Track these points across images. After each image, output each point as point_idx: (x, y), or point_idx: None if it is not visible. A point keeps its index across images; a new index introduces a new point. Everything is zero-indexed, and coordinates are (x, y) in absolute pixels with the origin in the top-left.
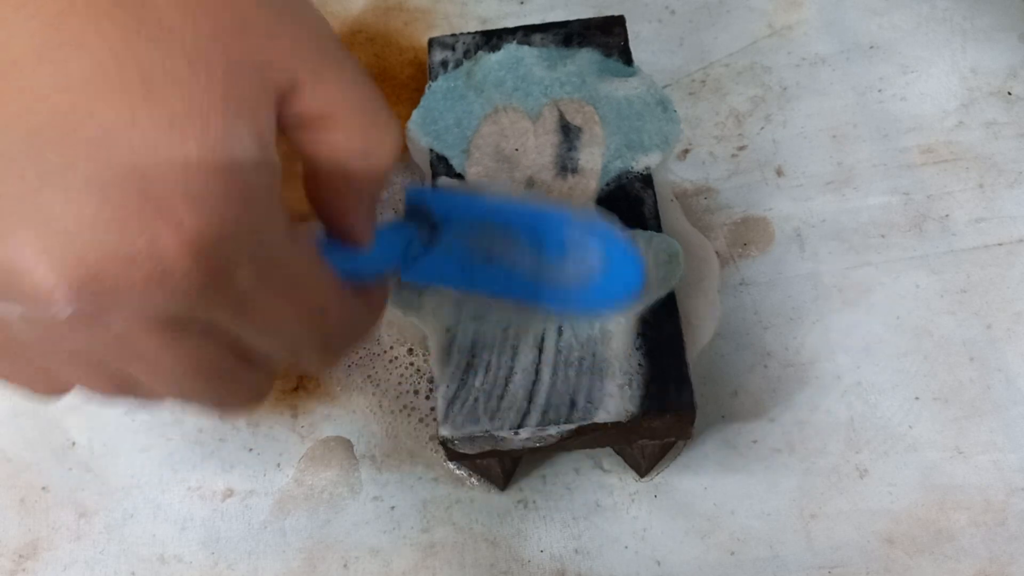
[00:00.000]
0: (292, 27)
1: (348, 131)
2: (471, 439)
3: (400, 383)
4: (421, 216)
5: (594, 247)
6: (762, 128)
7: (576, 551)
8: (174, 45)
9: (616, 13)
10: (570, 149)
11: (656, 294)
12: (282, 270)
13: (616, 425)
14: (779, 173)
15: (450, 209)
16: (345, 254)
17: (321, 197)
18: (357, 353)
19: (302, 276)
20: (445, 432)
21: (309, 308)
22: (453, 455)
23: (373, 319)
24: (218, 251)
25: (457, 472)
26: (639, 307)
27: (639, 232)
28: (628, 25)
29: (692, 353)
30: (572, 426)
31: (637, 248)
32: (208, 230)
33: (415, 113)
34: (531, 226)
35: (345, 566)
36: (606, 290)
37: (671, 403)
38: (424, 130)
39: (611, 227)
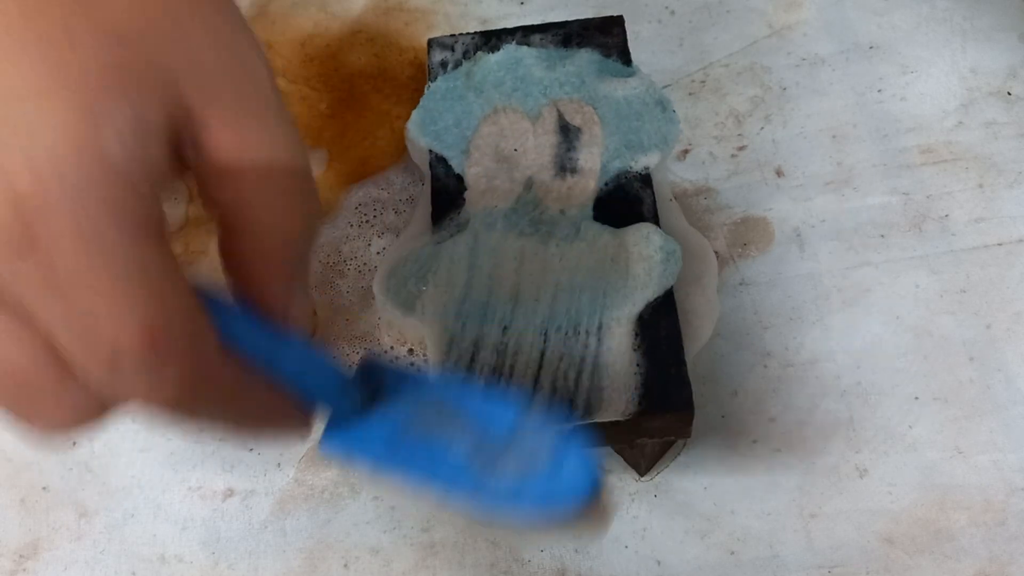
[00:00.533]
0: (223, 61)
1: (256, 192)
2: None
3: None
4: (367, 380)
5: (545, 444)
6: (762, 128)
7: (576, 551)
8: (83, 15)
9: (615, 13)
10: (569, 149)
11: (655, 292)
12: (113, 258)
13: (615, 424)
14: (779, 173)
15: (400, 382)
16: (257, 330)
17: (228, 258)
18: (357, 353)
19: (141, 278)
20: None
21: (142, 316)
22: None
23: (265, 415)
24: (41, 215)
25: None
26: (579, 520)
27: (637, 226)
28: (627, 25)
29: (691, 352)
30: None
31: (591, 460)
32: (36, 191)
33: (415, 113)
34: (481, 410)
35: (345, 566)
36: (547, 493)
37: (670, 402)
38: (424, 130)
39: (569, 433)
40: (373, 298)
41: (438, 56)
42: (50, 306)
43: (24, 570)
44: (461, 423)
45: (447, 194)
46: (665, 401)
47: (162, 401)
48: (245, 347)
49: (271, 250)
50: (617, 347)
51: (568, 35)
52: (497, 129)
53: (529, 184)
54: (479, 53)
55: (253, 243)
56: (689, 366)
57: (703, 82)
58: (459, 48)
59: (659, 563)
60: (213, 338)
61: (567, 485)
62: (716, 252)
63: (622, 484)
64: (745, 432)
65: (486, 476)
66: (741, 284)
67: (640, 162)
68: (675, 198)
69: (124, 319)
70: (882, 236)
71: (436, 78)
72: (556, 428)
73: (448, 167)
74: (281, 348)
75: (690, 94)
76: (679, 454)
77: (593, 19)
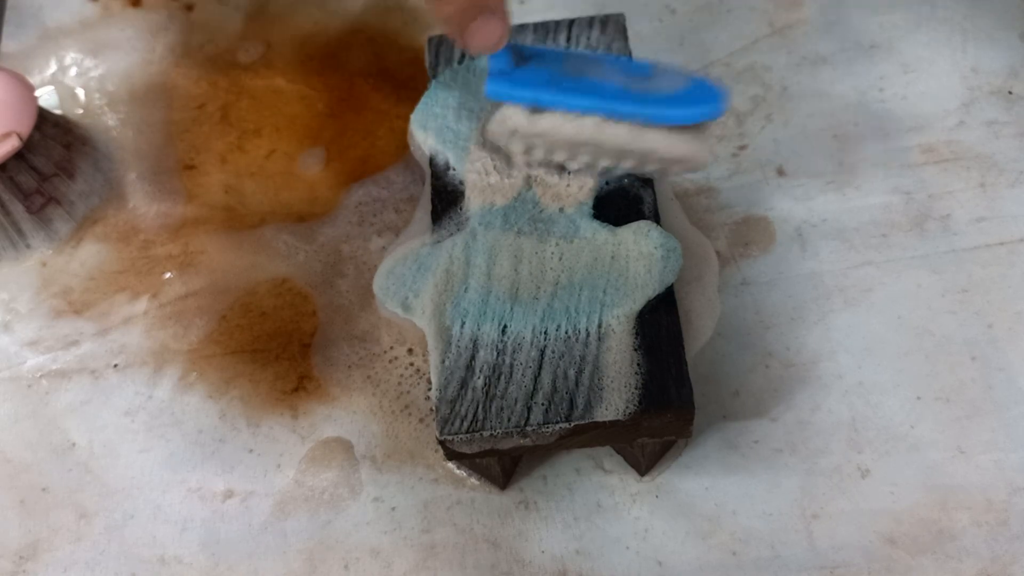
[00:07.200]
0: None
1: None
2: (470, 438)
3: (400, 383)
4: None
5: (677, 74)
6: (763, 127)
7: (577, 552)
8: None
9: (616, 12)
10: None
11: (655, 290)
12: None
13: (615, 424)
14: (780, 173)
15: (543, 52)
16: None
17: None
18: (357, 353)
19: None
20: (444, 431)
21: None
22: (452, 454)
23: None
24: None
25: (457, 472)
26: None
27: (636, 224)
28: (628, 24)
29: (691, 352)
30: (571, 424)
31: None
32: None
33: (415, 112)
34: (621, 61)
35: (346, 567)
36: (690, 100)
37: (670, 402)
38: (424, 128)
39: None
40: (373, 297)
41: (438, 54)
42: None
43: (24, 571)
44: (608, 69)
45: (447, 192)
46: (665, 400)
47: None
48: None
49: None
50: (617, 346)
51: (569, 33)
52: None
53: (529, 182)
54: None
55: None
56: (690, 366)
57: None
58: (459, 46)
59: (660, 564)
60: None
61: (703, 95)
62: (717, 252)
63: (623, 485)
64: (746, 432)
65: (640, 93)
66: (742, 284)
67: None
68: (676, 197)
69: None
70: (884, 235)
71: (436, 76)
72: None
73: (448, 165)
74: None
75: None
76: (680, 454)
77: (594, 17)
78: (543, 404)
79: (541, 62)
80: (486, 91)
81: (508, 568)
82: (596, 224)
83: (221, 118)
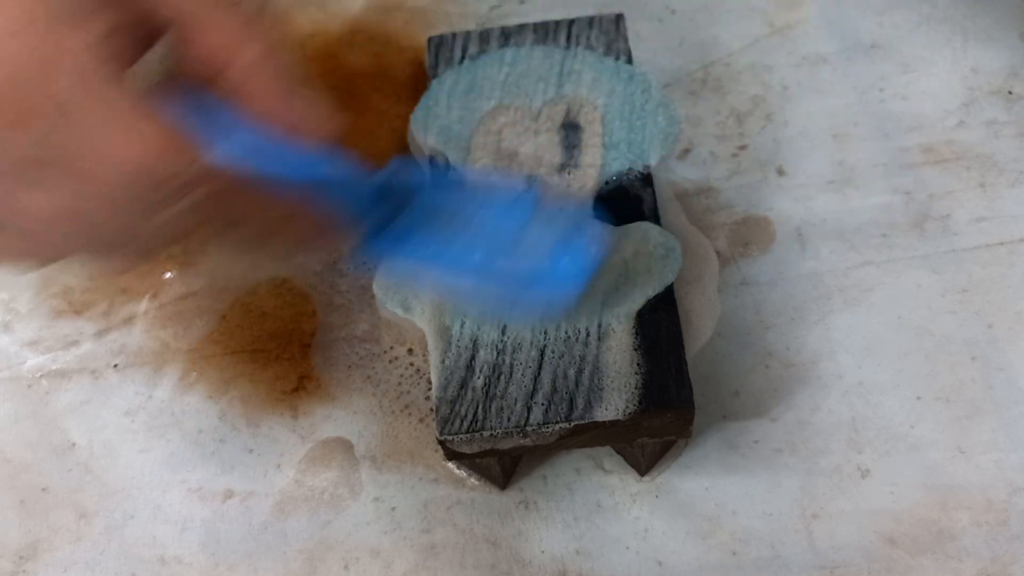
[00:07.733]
0: None
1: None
2: (470, 438)
3: (400, 383)
4: (392, 191)
5: (549, 235)
6: (763, 127)
7: (577, 552)
8: None
9: (616, 12)
10: (570, 147)
11: (655, 290)
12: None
13: (615, 424)
14: (780, 172)
15: (420, 191)
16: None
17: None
18: (357, 353)
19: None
20: (444, 431)
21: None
22: (452, 454)
23: (297, 235)
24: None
25: (457, 472)
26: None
27: (635, 224)
28: (628, 24)
29: (691, 352)
30: (571, 424)
31: (601, 247)
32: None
33: (416, 111)
34: (492, 214)
35: (346, 567)
36: (555, 277)
37: (670, 401)
38: (425, 128)
39: (587, 225)
40: (373, 297)
41: (438, 54)
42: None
43: (24, 571)
44: (475, 228)
45: None
46: (665, 400)
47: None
48: (269, 167)
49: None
50: (617, 346)
51: (569, 33)
52: (498, 127)
53: (530, 182)
54: (479, 51)
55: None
56: (689, 365)
57: (704, 81)
58: (459, 46)
59: (660, 564)
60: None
61: (571, 269)
62: (717, 251)
63: (623, 485)
64: (746, 432)
65: (502, 272)
66: (742, 284)
67: (641, 161)
68: (676, 197)
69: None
70: (884, 235)
71: (437, 76)
72: (561, 216)
73: (448, 165)
74: (307, 164)
75: (691, 93)
76: (680, 454)
77: (594, 17)
78: (543, 404)
79: (411, 221)
80: (362, 252)
81: (508, 568)
82: (596, 224)
83: None
